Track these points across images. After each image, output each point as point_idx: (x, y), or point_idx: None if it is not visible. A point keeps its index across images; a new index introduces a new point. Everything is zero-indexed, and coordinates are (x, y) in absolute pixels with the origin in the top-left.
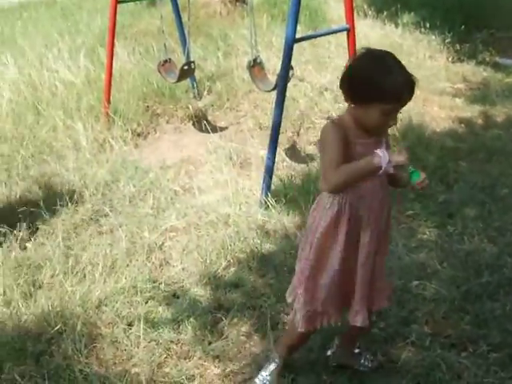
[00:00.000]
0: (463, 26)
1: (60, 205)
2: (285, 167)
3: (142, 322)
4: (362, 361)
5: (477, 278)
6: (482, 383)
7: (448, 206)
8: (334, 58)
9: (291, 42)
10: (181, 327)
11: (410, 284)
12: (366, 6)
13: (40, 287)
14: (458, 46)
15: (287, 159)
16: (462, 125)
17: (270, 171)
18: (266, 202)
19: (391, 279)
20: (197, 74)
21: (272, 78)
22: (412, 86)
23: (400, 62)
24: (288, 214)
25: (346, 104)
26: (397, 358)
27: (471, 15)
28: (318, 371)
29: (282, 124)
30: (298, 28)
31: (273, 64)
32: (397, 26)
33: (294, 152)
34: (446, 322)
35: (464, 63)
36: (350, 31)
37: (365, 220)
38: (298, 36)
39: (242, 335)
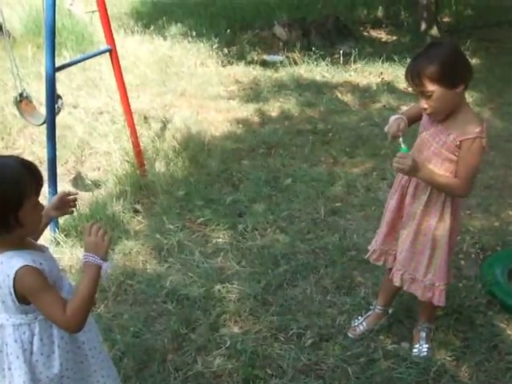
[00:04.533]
0: (228, 30)
1: None
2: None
3: None
4: None
5: (275, 269)
6: (298, 366)
7: (237, 206)
8: (106, 79)
9: (52, 72)
10: None
11: (213, 289)
12: (132, 23)
13: None
14: (226, 50)
15: (73, 189)
16: (240, 125)
17: None
18: (55, 239)
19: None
20: None
21: (43, 111)
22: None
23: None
24: (82, 246)
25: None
26: (213, 365)
27: (235, 19)
28: None
29: (63, 154)
30: (66, 54)
31: (44, 96)
32: (165, 38)
33: (78, 181)
34: (254, 318)
35: (234, 65)
36: (113, 51)
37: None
38: (63, 63)
39: None
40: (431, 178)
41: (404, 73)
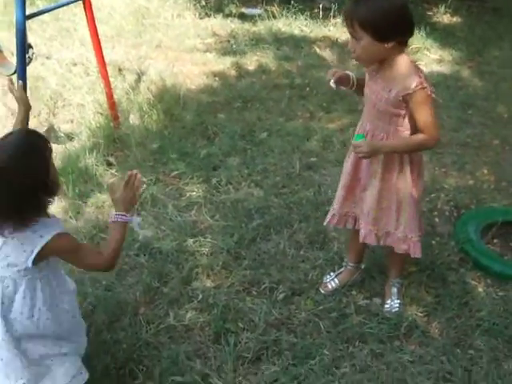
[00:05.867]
0: None
1: None
2: None
3: None
4: None
5: (248, 223)
6: (269, 320)
7: (212, 160)
8: (80, 29)
9: (22, 20)
10: None
11: (185, 243)
12: None
13: None
14: (203, 2)
15: None
16: (216, 78)
17: None
18: None
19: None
20: None
21: (14, 61)
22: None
23: None
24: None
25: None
26: (185, 319)
27: None
28: None
29: (36, 106)
30: (40, 3)
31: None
32: None
33: (51, 133)
34: (227, 272)
35: (212, 18)
36: (86, 0)
37: None
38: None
39: None
40: (397, 149)
41: None
